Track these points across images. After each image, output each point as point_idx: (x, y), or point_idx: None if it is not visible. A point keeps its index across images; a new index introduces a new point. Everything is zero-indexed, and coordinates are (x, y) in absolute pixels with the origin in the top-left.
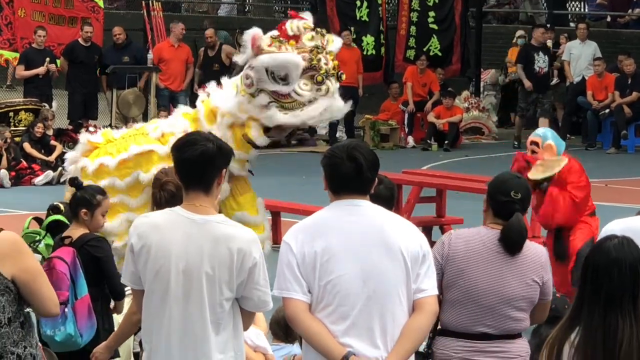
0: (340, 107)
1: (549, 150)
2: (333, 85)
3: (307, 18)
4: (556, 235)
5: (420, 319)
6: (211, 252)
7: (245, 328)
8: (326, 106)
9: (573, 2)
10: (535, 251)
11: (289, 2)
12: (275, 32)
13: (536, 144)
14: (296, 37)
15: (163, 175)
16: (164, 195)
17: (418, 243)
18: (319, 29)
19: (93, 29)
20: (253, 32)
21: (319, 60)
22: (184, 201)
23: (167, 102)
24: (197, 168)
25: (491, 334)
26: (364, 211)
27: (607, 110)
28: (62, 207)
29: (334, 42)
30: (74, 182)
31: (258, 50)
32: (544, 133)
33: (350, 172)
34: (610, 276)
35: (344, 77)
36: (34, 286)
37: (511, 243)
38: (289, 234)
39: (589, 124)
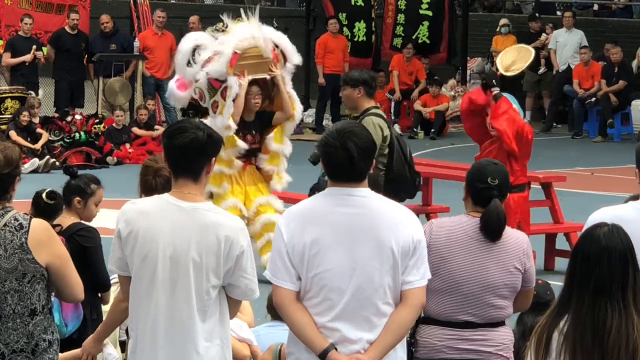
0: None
1: (504, 101)
2: (236, 23)
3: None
4: None
5: (403, 313)
6: (199, 239)
7: (232, 316)
8: (244, 32)
9: None
10: (517, 238)
11: None
12: None
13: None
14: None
15: (154, 162)
16: (159, 181)
17: (410, 234)
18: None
19: (80, 17)
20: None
21: (215, 27)
22: (173, 188)
23: (153, 90)
24: (187, 155)
25: (474, 322)
26: (356, 202)
27: (593, 99)
28: (44, 195)
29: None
30: (69, 170)
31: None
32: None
33: (344, 162)
34: (600, 264)
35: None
36: (65, 272)
37: (490, 229)
38: (283, 219)
39: (575, 112)
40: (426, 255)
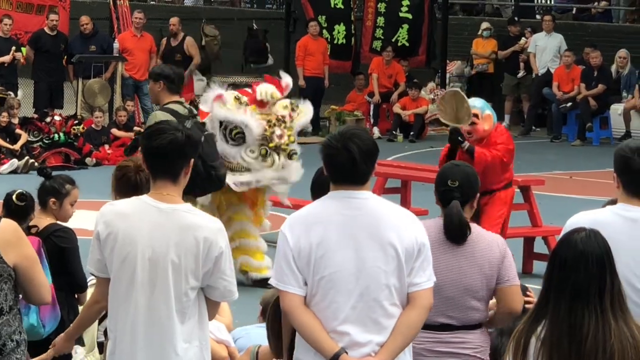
0: (284, 180)
1: (488, 121)
2: (280, 160)
3: (287, 84)
4: None
5: (411, 315)
6: (178, 241)
7: (210, 318)
8: (266, 178)
9: None
10: (490, 240)
11: None
12: (238, 93)
13: (475, 115)
14: (262, 103)
15: (131, 162)
16: (143, 176)
17: (414, 236)
18: (293, 101)
19: (59, 17)
20: (217, 92)
21: (273, 132)
22: (152, 190)
23: (132, 92)
24: (165, 157)
25: (452, 325)
26: (360, 204)
27: (569, 104)
28: (14, 197)
29: (304, 116)
30: (44, 171)
31: (219, 102)
32: (481, 105)
33: (345, 164)
34: (577, 269)
35: (295, 157)
36: (32, 273)
37: (450, 232)
38: (286, 224)
39: (554, 116)
40: (431, 257)
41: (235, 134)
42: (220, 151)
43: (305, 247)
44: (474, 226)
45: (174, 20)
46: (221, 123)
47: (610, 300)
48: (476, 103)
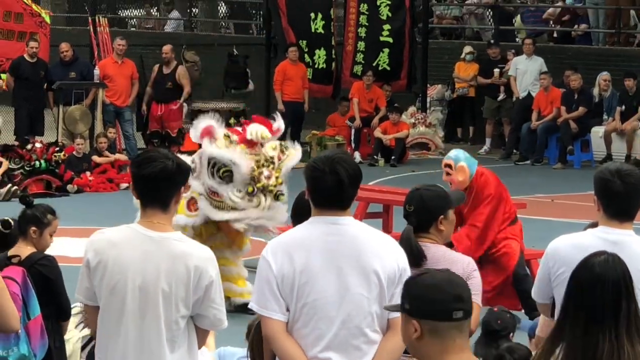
0: (270, 220)
1: (461, 172)
2: (266, 201)
3: (278, 128)
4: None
5: (392, 340)
6: (168, 269)
7: (200, 346)
8: (251, 217)
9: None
10: (455, 260)
11: (238, 18)
12: (228, 131)
13: (449, 166)
14: (251, 143)
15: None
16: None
17: (395, 262)
18: (282, 143)
19: (39, 45)
20: (207, 124)
21: (261, 173)
22: (141, 218)
23: (113, 118)
24: (155, 185)
25: None
26: (342, 230)
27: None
28: (12, 221)
29: (293, 158)
30: (25, 200)
31: (209, 137)
32: (455, 155)
33: (332, 187)
34: (592, 293)
35: (283, 198)
36: (1, 302)
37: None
38: (269, 249)
39: (538, 139)
40: None
41: (224, 172)
42: (208, 186)
43: (289, 274)
44: (440, 247)
45: (166, 48)
46: (209, 161)
47: (627, 325)
48: (451, 154)
